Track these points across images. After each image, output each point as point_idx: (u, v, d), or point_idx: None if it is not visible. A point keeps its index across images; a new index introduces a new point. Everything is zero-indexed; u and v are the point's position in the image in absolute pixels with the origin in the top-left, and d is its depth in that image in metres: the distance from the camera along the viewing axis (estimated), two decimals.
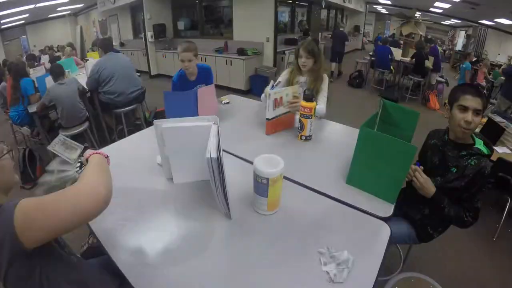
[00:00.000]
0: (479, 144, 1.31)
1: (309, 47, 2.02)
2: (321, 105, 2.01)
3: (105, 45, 3.48)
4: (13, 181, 0.85)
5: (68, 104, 3.12)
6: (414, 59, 5.98)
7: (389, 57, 6.49)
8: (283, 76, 2.23)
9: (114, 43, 5.19)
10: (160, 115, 3.76)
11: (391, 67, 6.71)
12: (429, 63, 6.02)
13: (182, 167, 1.25)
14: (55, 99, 3.07)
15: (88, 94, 3.70)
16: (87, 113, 3.36)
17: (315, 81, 2.08)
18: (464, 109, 1.24)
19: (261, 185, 1.07)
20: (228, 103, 2.43)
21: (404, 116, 1.57)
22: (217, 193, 1.05)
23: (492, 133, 2.72)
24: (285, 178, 1.25)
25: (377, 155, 1.20)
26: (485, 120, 2.98)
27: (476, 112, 1.23)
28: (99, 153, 0.98)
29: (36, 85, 3.46)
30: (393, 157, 1.15)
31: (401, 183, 1.20)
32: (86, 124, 3.32)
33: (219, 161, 0.95)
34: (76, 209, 0.67)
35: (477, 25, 11.31)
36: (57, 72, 3.14)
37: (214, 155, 0.94)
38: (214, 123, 1.12)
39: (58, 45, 10.12)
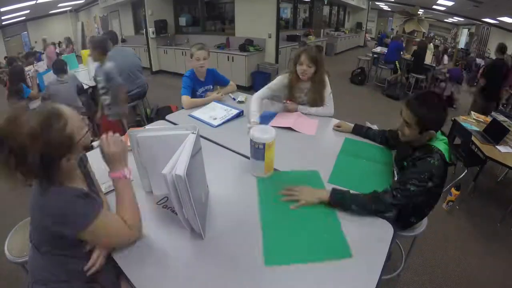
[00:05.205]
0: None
1: (312, 54, 1.82)
2: (331, 109, 2.02)
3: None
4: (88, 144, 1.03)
5: (65, 103, 3.08)
6: (413, 57, 6.01)
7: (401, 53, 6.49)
8: (276, 84, 1.99)
9: None
10: (163, 111, 3.70)
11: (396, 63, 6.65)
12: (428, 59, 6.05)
13: (161, 178, 1.17)
14: (52, 96, 3.04)
15: (90, 90, 3.69)
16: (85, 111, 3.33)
17: (315, 92, 1.96)
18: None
19: (258, 150, 1.25)
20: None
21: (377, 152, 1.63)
22: (183, 211, 0.94)
23: (496, 132, 2.67)
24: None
25: (358, 157, 1.51)
26: (488, 119, 2.96)
27: (406, 123, 1.22)
28: (127, 178, 0.99)
29: (37, 81, 3.45)
30: (373, 158, 1.52)
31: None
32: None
33: (185, 181, 0.84)
34: (115, 243, 0.96)
35: (480, 23, 11.23)
36: (58, 68, 3.12)
37: (180, 172, 0.83)
38: (192, 133, 1.03)
39: (59, 41, 10.10)
